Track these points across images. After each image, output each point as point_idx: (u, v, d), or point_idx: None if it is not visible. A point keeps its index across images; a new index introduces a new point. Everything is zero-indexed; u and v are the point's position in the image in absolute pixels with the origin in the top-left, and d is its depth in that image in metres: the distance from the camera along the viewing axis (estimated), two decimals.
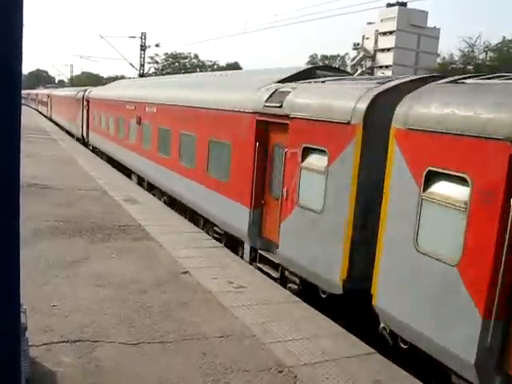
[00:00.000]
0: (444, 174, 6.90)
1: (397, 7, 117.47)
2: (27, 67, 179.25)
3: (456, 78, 7.99)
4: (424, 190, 7.09)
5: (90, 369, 6.57)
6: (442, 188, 6.94)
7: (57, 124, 54.86)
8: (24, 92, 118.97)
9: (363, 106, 8.52)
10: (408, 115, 7.50)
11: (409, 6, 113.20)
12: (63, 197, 16.83)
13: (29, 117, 61.36)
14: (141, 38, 60.92)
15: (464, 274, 6.46)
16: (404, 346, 7.58)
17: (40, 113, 77.85)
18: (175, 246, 12.33)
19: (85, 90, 36.23)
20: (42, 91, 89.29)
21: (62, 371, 6.42)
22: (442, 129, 6.88)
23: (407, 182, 7.37)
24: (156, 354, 7.11)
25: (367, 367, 7.21)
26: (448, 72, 59.95)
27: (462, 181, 6.61)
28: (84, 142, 36.26)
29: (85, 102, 34.79)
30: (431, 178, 7.04)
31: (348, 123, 8.69)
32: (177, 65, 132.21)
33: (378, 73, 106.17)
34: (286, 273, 10.46)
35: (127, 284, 9.61)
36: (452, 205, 6.70)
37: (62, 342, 7.14)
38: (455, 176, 6.71)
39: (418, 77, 9.43)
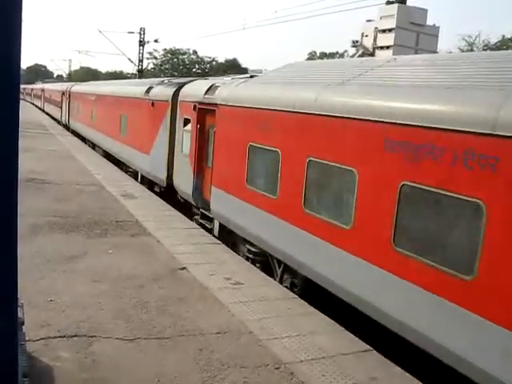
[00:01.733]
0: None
1: (396, 5, 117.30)
2: (25, 62, 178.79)
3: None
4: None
5: (86, 364, 6.57)
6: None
7: (82, 138, 35.68)
8: (27, 87, 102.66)
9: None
10: None
11: (408, 3, 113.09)
12: (61, 192, 16.81)
13: (28, 112, 60.92)
14: (139, 33, 60.94)
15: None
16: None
17: (47, 113, 61.64)
18: (172, 241, 12.33)
19: (209, 87, 14.69)
20: (50, 86, 65.22)
21: (59, 366, 6.42)
22: None
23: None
24: (153, 349, 7.12)
25: (364, 364, 7.22)
26: None
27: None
28: (186, 207, 16.37)
29: (223, 116, 13.38)
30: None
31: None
32: (175, 61, 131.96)
33: None
34: None
35: (124, 279, 9.61)
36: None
37: (59, 336, 7.15)
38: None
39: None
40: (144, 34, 61.32)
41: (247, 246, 11.90)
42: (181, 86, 17.15)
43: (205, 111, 14.35)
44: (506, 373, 5.79)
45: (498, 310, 5.99)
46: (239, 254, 12.00)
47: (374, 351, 7.62)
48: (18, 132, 2.44)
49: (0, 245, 2.42)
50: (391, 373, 7.10)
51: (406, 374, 7.09)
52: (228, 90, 13.26)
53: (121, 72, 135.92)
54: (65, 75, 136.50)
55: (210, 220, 13.99)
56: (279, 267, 10.90)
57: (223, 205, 12.96)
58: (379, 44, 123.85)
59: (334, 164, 8.83)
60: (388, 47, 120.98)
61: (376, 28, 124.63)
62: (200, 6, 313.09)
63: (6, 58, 2.31)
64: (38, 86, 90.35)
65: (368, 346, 7.74)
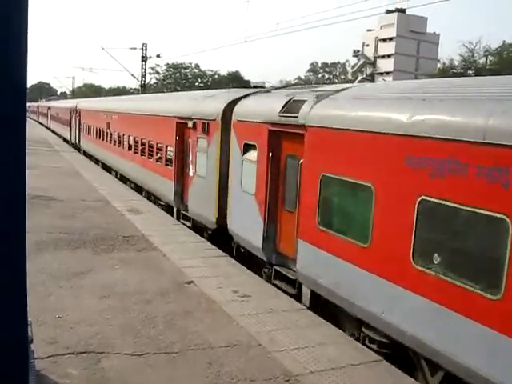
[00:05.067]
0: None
1: (396, 13, 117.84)
2: (30, 80, 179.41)
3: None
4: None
5: (95, 380, 6.54)
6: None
7: None
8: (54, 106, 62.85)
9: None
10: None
11: (407, 12, 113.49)
12: (66, 208, 16.85)
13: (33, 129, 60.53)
14: (142, 48, 61.43)
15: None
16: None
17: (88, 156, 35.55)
18: (179, 255, 12.32)
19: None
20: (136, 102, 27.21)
21: (68, 383, 6.40)
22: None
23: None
24: (161, 364, 7.09)
25: (374, 375, 7.17)
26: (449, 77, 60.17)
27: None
28: None
29: None
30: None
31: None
32: (178, 75, 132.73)
33: (379, 79, 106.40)
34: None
35: (131, 295, 9.60)
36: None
37: (68, 353, 7.13)
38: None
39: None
40: (146, 49, 61.79)
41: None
42: None
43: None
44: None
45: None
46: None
47: (384, 361, 7.57)
48: (26, 149, 2.47)
49: (9, 261, 2.43)
50: (403, 383, 7.05)
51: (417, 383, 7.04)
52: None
53: (124, 88, 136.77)
54: (68, 92, 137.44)
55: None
56: None
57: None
58: (380, 53, 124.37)
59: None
60: (389, 56, 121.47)
61: (376, 37, 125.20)
62: (201, 20, 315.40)
63: (15, 78, 2.34)
64: (91, 104, 39.22)
65: (378, 356, 7.69)
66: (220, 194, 13.85)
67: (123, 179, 24.78)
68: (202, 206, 14.97)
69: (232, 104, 13.65)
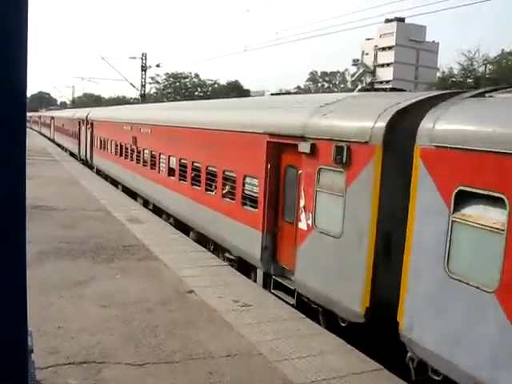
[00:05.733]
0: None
1: (395, 22, 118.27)
2: (30, 90, 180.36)
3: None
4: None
5: None
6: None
7: None
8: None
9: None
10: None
11: (406, 21, 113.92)
12: (67, 218, 16.85)
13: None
14: (141, 58, 61.54)
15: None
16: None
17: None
18: (179, 265, 12.31)
19: None
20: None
21: None
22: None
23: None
24: (162, 374, 7.07)
25: (376, 383, 7.15)
26: (448, 86, 60.35)
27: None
28: None
29: None
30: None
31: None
32: (178, 85, 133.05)
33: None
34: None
35: (132, 304, 9.59)
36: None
37: (68, 363, 7.11)
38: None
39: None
40: (146, 59, 61.91)
41: None
42: None
43: None
44: None
45: None
46: None
47: (386, 370, 7.55)
48: (26, 149, 2.50)
49: (9, 263, 2.44)
50: None
51: None
52: None
53: (124, 97, 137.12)
54: (68, 102, 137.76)
55: None
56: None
57: None
58: (379, 62, 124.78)
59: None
60: (389, 64, 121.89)
61: (376, 46, 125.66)
62: (201, 29, 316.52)
63: (14, 86, 2.36)
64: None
65: (379, 365, 7.67)
66: (376, 267, 8.32)
67: (158, 211, 19.35)
68: (330, 282, 9.26)
69: (404, 116, 8.17)
